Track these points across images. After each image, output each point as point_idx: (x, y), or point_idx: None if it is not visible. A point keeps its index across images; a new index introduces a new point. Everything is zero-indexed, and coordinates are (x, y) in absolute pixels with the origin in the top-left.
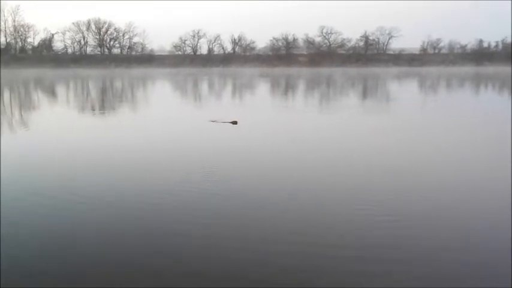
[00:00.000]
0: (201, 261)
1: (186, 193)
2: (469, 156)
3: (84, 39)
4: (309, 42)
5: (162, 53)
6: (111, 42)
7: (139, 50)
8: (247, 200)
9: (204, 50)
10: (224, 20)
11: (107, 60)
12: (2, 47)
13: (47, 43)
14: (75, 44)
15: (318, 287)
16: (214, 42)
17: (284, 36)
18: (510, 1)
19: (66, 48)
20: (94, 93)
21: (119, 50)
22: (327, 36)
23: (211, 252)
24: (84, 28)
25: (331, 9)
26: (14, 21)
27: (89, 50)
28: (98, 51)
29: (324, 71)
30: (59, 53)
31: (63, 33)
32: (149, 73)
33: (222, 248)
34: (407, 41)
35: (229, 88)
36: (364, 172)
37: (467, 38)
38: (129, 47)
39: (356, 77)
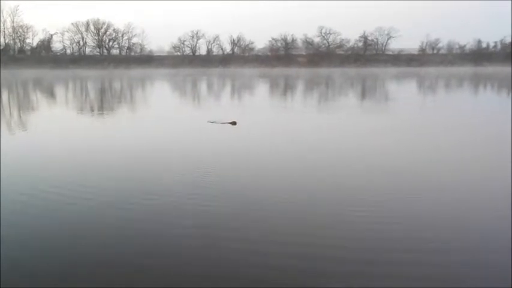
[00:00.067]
0: (200, 262)
1: (185, 193)
2: (468, 157)
3: (83, 39)
4: (308, 43)
5: (161, 54)
6: (110, 43)
7: (138, 50)
8: (246, 200)
9: (203, 50)
10: (223, 21)
11: (106, 60)
12: (1, 47)
13: (45, 44)
14: (74, 44)
15: (318, 287)
16: (213, 42)
17: (283, 36)
18: (510, 1)
19: (65, 49)
20: (93, 93)
21: (118, 51)
22: (325, 37)
23: (210, 252)
24: (83, 29)
25: (330, 10)
26: (13, 22)
27: (87, 50)
28: (96, 51)
29: (323, 71)
30: (58, 53)
31: (62, 34)
32: (148, 74)
33: (221, 248)
34: (406, 41)
35: (228, 89)
36: (363, 172)
37: (467, 38)
38: (128, 48)
39: (355, 77)
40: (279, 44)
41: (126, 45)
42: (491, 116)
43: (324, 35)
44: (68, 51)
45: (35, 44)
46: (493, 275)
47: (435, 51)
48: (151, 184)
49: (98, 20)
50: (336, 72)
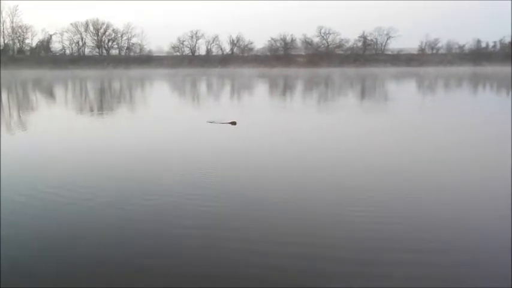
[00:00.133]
0: (200, 262)
1: (185, 193)
2: (468, 157)
3: (82, 40)
4: (307, 43)
5: (160, 54)
6: (110, 43)
7: (138, 50)
8: (246, 200)
9: (202, 50)
10: (222, 21)
11: (105, 61)
12: (0, 48)
13: (45, 44)
14: (74, 45)
15: (318, 287)
16: (213, 43)
17: (282, 36)
18: (510, 1)
19: (64, 49)
20: (92, 94)
21: (117, 51)
22: (325, 37)
23: (210, 252)
24: (82, 29)
25: (329, 10)
26: (12, 22)
27: (87, 51)
28: (96, 52)
29: (322, 71)
30: (57, 54)
31: (61, 34)
32: (147, 74)
33: (221, 248)
34: (406, 41)
35: (227, 89)
36: (363, 172)
37: (466, 38)
38: (128, 48)
39: (354, 77)
40: (278, 44)
41: (126, 45)
42: (491, 116)
43: (323, 35)
44: (67, 52)
45: (34, 45)
46: (493, 275)
47: (434, 51)
48: (151, 184)
49: (97, 20)
50: (335, 72)
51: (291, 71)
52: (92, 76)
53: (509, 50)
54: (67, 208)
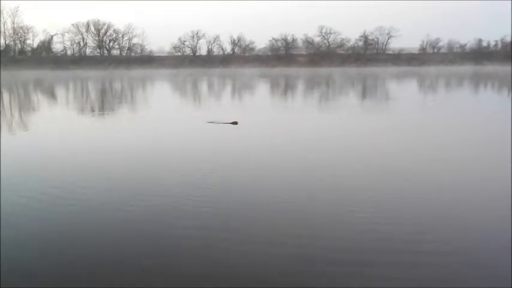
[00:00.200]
0: (200, 262)
1: (186, 194)
2: (468, 156)
3: (83, 40)
4: (308, 43)
5: (162, 54)
6: (111, 44)
7: (139, 51)
8: (246, 200)
9: (203, 50)
10: (223, 20)
11: (106, 61)
12: (1, 48)
13: (46, 45)
14: (75, 45)
15: (318, 287)
16: (214, 43)
17: (283, 36)
18: (510, 1)
19: (66, 50)
20: (93, 94)
21: (118, 51)
22: (326, 36)
23: (210, 252)
24: (83, 29)
25: (330, 10)
26: (13, 23)
27: (88, 51)
28: (97, 52)
29: (323, 71)
30: (58, 54)
31: (63, 35)
32: (148, 74)
33: (221, 248)
34: (407, 40)
35: (228, 89)
36: (364, 173)
37: (467, 38)
38: (129, 48)
39: (355, 76)
40: (279, 44)
41: (127, 45)
42: (492, 115)
43: (324, 34)
44: (69, 52)
45: (35, 45)
46: (493, 275)
47: (435, 51)
48: (152, 185)
49: (98, 20)
50: (337, 72)
51: (292, 70)
52: (93, 76)
53: (510, 49)
54: (67, 208)
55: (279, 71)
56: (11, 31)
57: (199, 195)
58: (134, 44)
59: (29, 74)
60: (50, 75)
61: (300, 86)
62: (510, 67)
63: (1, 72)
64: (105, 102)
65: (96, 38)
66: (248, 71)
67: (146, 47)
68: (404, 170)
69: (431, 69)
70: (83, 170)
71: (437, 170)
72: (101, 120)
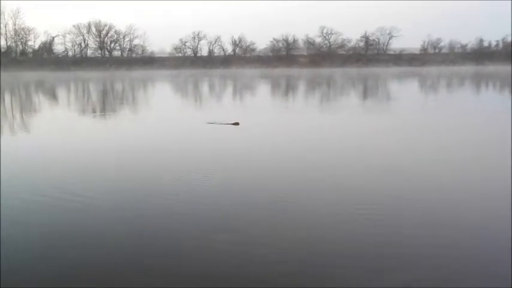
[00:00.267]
0: (200, 262)
1: (186, 194)
2: (468, 157)
3: (84, 41)
4: (309, 43)
5: (163, 55)
6: (112, 45)
7: (140, 52)
8: (246, 201)
9: (204, 51)
10: (224, 20)
11: (108, 62)
12: (3, 50)
13: (47, 46)
14: (76, 46)
15: (318, 287)
16: (215, 43)
17: (284, 37)
18: (510, 1)
19: (67, 51)
20: (95, 95)
21: (120, 53)
22: (327, 37)
23: (210, 253)
24: (84, 31)
25: (331, 10)
26: (15, 24)
27: (89, 52)
28: (98, 53)
29: (325, 71)
30: (60, 55)
31: (64, 36)
32: (150, 75)
33: (221, 248)
34: (407, 40)
35: (229, 89)
36: (365, 173)
37: (468, 38)
38: (130, 50)
39: (356, 77)
40: (281, 45)
41: (128, 46)
42: (492, 115)
43: (325, 35)
44: (70, 53)
45: (36, 47)
46: (493, 275)
47: (437, 51)
48: (153, 185)
49: (100, 21)
50: (338, 73)
51: (293, 71)
52: (94, 78)
53: (511, 49)
54: (68, 209)
55: (280, 71)
56: (12, 32)
57: (200, 195)
58: (135, 45)
59: (30, 75)
60: (51, 76)
61: (301, 87)
62: (511, 67)
63: (3, 74)
64: (106, 103)
65: (98, 39)
66: (249, 72)
67: (147, 48)
68: (404, 170)
69: (433, 70)
70: (84, 170)
71: (437, 170)
72: (102, 122)
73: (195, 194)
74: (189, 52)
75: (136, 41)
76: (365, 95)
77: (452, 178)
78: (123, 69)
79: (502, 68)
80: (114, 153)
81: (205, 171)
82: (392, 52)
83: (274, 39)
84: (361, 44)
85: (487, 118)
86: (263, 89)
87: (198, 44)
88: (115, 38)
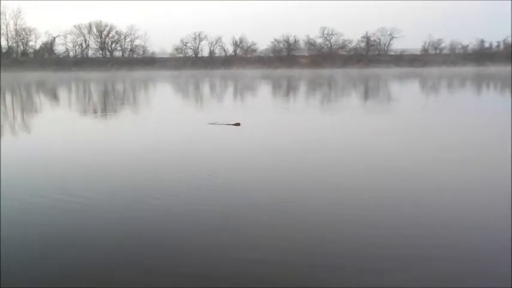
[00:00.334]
0: (201, 262)
1: (187, 195)
2: (469, 157)
3: (85, 42)
4: (310, 44)
5: (164, 56)
6: (113, 45)
7: (141, 52)
8: (247, 201)
9: (205, 52)
10: (224, 20)
11: (109, 63)
12: (4, 50)
13: (48, 46)
14: (77, 47)
15: (318, 287)
16: (216, 44)
17: (285, 37)
18: (510, 1)
19: (68, 52)
20: (96, 96)
21: (121, 53)
22: (328, 38)
23: (210, 253)
24: (85, 31)
25: (331, 9)
26: (16, 24)
27: (90, 53)
28: (99, 54)
29: (326, 72)
30: (61, 56)
31: (65, 37)
32: (151, 76)
33: (222, 248)
34: (408, 41)
35: (230, 90)
36: (366, 173)
37: (468, 38)
38: (131, 50)
39: (357, 78)
40: (281, 45)
41: (129, 47)
42: (492, 116)
43: (326, 35)
44: (71, 54)
45: (37, 47)
46: (493, 275)
47: (438, 52)
48: (153, 186)
49: (101, 22)
50: (339, 73)
51: (294, 72)
52: (95, 78)
53: (511, 50)
54: (69, 209)
55: (281, 72)
56: (13, 33)
57: (201, 196)
58: (136, 46)
59: (31, 76)
60: (52, 76)
61: (302, 87)
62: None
63: (4, 74)
64: (107, 104)
65: (99, 40)
66: (250, 73)
67: (148, 48)
68: (405, 171)
69: (434, 70)
70: (84, 171)
71: (437, 170)
72: (103, 122)
73: (195, 194)
74: (190, 53)
75: (137, 42)
76: (366, 95)
77: (453, 178)
78: (124, 69)
79: (503, 69)
80: (115, 154)
81: (206, 172)
82: (393, 53)
83: (275, 39)
84: (362, 44)
85: (487, 119)
86: (264, 90)
87: (199, 44)
88: (116, 38)
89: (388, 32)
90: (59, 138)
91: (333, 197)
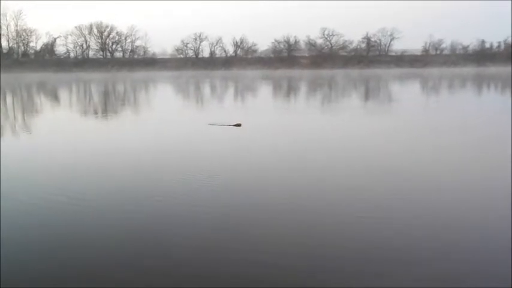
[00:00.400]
0: (201, 263)
1: (188, 195)
2: (469, 157)
3: (86, 43)
4: (311, 44)
5: (164, 56)
6: (114, 46)
7: (142, 53)
8: (247, 202)
9: (206, 53)
10: (224, 21)
11: (109, 63)
12: (5, 51)
13: (49, 47)
14: (78, 48)
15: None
16: (216, 45)
17: (286, 38)
18: (510, 1)
19: (69, 52)
20: (96, 96)
21: (121, 54)
22: (328, 38)
23: (211, 253)
24: (86, 32)
25: (330, 9)
26: (17, 25)
27: (91, 53)
28: (100, 55)
29: (326, 72)
30: (62, 57)
31: (66, 37)
32: (151, 76)
33: (222, 249)
34: (408, 41)
35: (231, 91)
36: (367, 174)
37: (468, 38)
38: (131, 51)
39: (358, 78)
40: (282, 46)
41: (130, 48)
42: (492, 116)
43: (326, 36)
44: (72, 55)
45: (38, 48)
46: (493, 275)
47: (438, 52)
48: (154, 187)
49: (101, 23)
50: (339, 74)
51: (295, 72)
52: (96, 79)
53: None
54: (69, 210)
55: (281, 73)
56: (14, 34)
57: (202, 197)
58: (137, 47)
59: (32, 77)
60: (53, 77)
61: (303, 88)
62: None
63: (5, 75)
64: (108, 105)
65: (99, 41)
66: (250, 73)
67: (149, 49)
68: (406, 171)
69: (434, 71)
70: (85, 171)
71: (437, 170)
72: (104, 123)
73: (196, 195)
74: (190, 53)
75: (138, 42)
76: (367, 96)
77: (453, 178)
78: (125, 70)
79: (504, 70)
80: (116, 155)
81: (207, 173)
82: (394, 53)
83: (275, 40)
84: (363, 45)
85: (488, 119)
86: (265, 91)
87: (200, 45)
88: (117, 39)
89: (389, 33)
90: (59, 139)
91: (333, 197)
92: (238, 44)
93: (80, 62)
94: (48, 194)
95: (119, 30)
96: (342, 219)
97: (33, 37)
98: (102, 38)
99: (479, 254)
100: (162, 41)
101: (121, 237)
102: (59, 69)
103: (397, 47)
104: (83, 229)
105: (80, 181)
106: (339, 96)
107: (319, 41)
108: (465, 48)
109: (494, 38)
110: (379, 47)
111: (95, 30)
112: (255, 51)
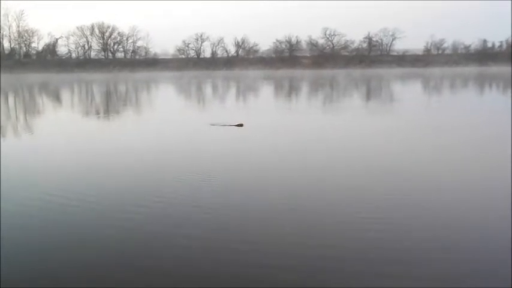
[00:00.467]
0: (201, 263)
1: (189, 196)
2: (469, 157)
3: (88, 43)
4: (312, 44)
5: (166, 57)
6: (115, 47)
7: (143, 53)
8: (248, 202)
9: (207, 53)
10: (224, 21)
11: (111, 64)
12: (6, 52)
13: (51, 48)
14: (79, 48)
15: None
16: (218, 45)
17: (287, 38)
18: (510, 1)
19: (70, 53)
20: (98, 97)
21: (123, 54)
22: (330, 38)
23: (211, 254)
24: (88, 32)
25: (330, 9)
26: (18, 26)
27: (93, 54)
28: (101, 55)
29: (328, 72)
30: (63, 57)
31: (67, 38)
32: (153, 77)
33: (223, 249)
34: (410, 41)
35: (233, 91)
36: (367, 174)
37: (468, 38)
38: (133, 51)
39: (359, 78)
40: (284, 46)
41: (131, 48)
42: (493, 116)
43: (328, 36)
44: (73, 55)
45: (40, 48)
46: (493, 274)
47: (440, 52)
48: (155, 187)
49: (103, 23)
50: (341, 74)
51: (296, 72)
52: (97, 79)
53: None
54: (70, 210)
55: (283, 73)
56: (16, 34)
57: (203, 197)
58: (139, 47)
59: (34, 77)
60: (55, 78)
61: (305, 88)
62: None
63: (7, 76)
64: (109, 105)
65: (101, 41)
66: (252, 73)
67: (151, 49)
68: (407, 171)
69: (436, 71)
70: (86, 172)
71: (438, 170)
72: (106, 123)
73: (196, 195)
74: (192, 54)
75: (139, 43)
76: (368, 96)
77: (453, 178)
78: (127, 70)
79: (506, 69)
80: (117, 155)
81: (208, 173)
82: (395, 53)
83: (277, 40)
84: (364, 45)
85: (488, 119)
86: (266, 91)
87: (201, 45)
88: (118, 39)
89: (390, 33)
90: (61, 139)
91: (333, 197)
92: (240, 44)
93: (81, 63)
94: (48, 194)
95: (120, 31)
96: (342, 219)
97: (35, 38)
98: (103, 38)
99: (479, 254)
100: (162, 41)
101: (121, 237)
102: (61, 70)
103: (399, 46)
104: (83, 229)
105: (80, 181)
106: (341, 96)
107: (321, 41)
108: (467, 47)
109: (494, 38)
110: (380, 47)
111: (97, 31)
112: (256, 51)
